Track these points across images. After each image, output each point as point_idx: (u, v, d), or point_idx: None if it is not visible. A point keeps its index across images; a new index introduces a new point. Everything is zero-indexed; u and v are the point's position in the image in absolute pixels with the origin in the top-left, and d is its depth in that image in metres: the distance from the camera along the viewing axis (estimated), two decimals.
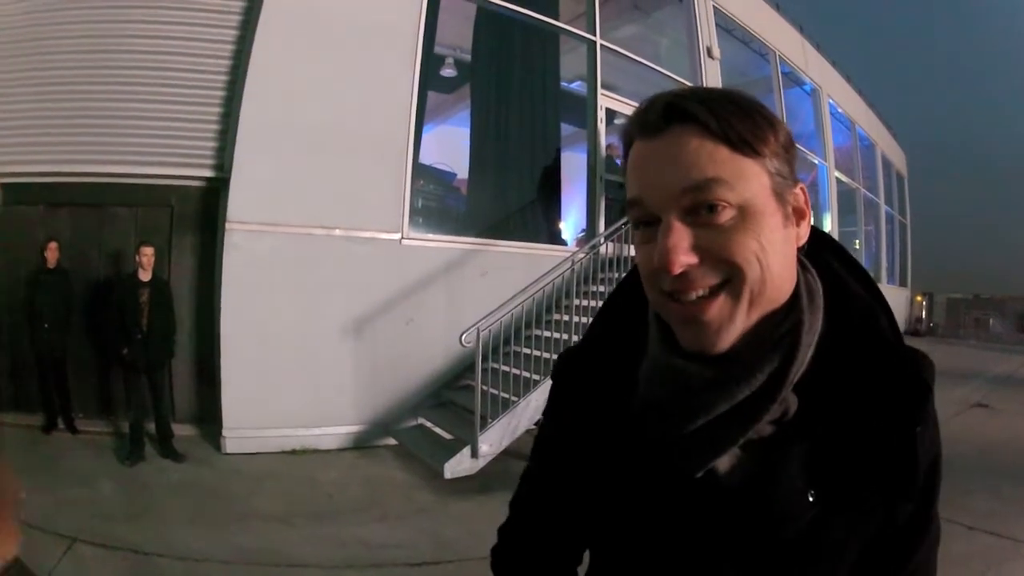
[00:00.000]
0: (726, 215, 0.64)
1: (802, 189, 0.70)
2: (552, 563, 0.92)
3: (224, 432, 5.70)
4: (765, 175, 0.65)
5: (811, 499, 0.67)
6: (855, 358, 0.70)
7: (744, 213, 0.64)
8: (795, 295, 0.70)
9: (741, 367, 0.67)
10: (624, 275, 0.89)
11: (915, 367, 0.72)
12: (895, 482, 0.68)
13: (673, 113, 0.65)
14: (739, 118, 0.64)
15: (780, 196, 0.67)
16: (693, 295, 0.65)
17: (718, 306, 0.65)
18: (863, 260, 17.50)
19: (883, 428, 0.68)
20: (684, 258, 0.63)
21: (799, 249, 0.72)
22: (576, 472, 0.82)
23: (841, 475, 0.68)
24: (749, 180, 0.64)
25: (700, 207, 0.64)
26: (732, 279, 0.64)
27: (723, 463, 0.71)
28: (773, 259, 0.65)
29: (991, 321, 26.32)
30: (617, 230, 6.55)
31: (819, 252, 0.77)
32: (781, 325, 0.68)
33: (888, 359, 0.71)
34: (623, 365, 0.79)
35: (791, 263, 0.69)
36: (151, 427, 5.45)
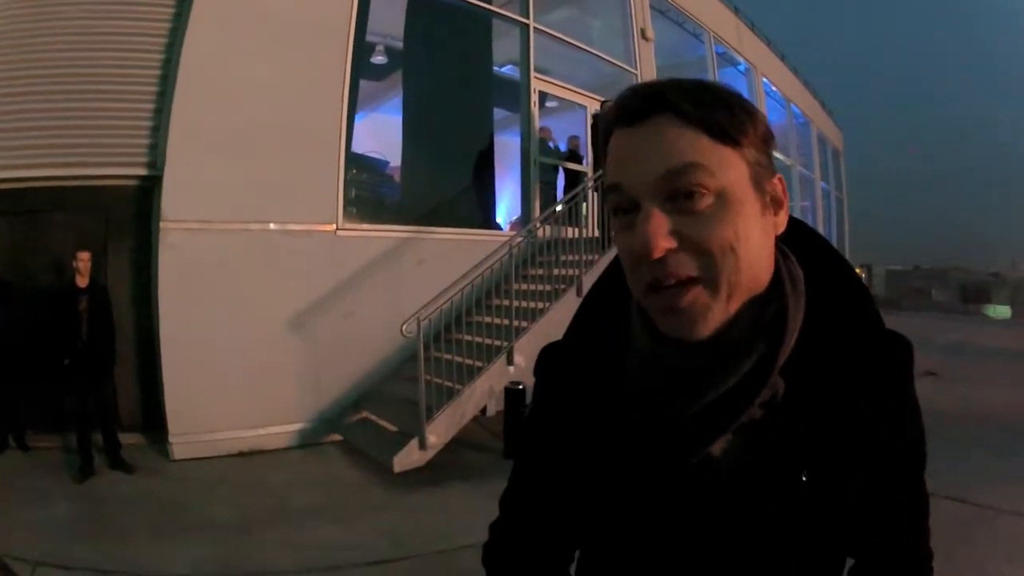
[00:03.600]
0: (705, 201, 0.64)
1: (779, 179, 0.71)
2: (543, 558, 0.92)
3: (171, 438, 5.59)
4: (744, 164, 0.66)
5: (804, 479, 0.69)
6: (837, 341, 0.72)
7: (723, 200, 0.64)
8: (778, 282, 0.71)
9: (730, 354, 0.68)
10: (605, 263, 0.90)
11: (895, 347, 0.74)
12: (883, 458, 0.71)
13: (654, 102, 0.66)
14: (719, 108, 0.65)
15: (758, 185, 0.67)
16: (672, 280, 0.65)
17: (694, 293, 0.65)
18: None
19: (867, 406, 0.70)
20: (663, 243, 0.63)
21: (778, 237, 0.72)
22: (566, 465, 0.83)
23: (831, 454, 0.69)
24: (728, 169, 0.65)
25: (679, 194, 0.64)
26: (708, 272, 0.65)
27: (716, 448, 0.71)
28: (750, 248, 0.66)
29: (933, 291, 27.25)
30: (552, 213, 6.58)
31: (799, 241, 0.79)
32: (766, 312, 0.70)
33: (869, 341, 0.73)
34: (607, 357, 0.79)
35: (768, 252, 0.70)
36: (99, 438, 5.28)
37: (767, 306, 0.70)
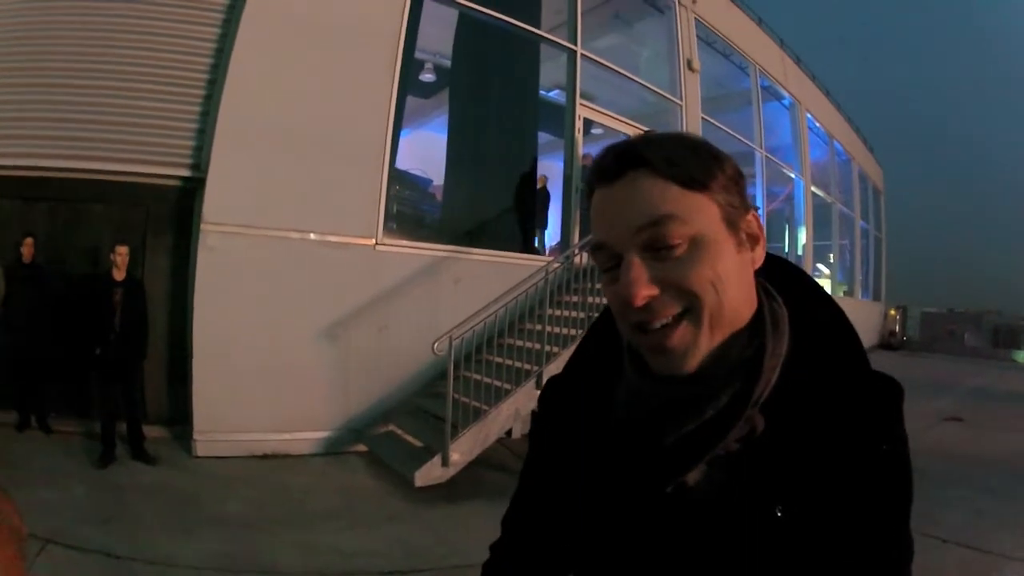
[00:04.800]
0: (681, 247, 0.68)
1: (754, 216, 0.74)
2: None
3: (195, 435, 5.64)
4: (715, 207, 0.69)
5: (779, 514, 0.70)
6: (821, 381, 0.73)
7: (698, 244, 0.68)
8: (759, 320, 0.74)
9: (707, 388, 0.71)
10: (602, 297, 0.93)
11: (882, 389, 0.75)
12: (863, 500, 0.71)
13: (626, 159, 0.70)
14: (687, 158, 0.69)
15: (732, 224, 0.71)
16: (658, 324, 0.69)
17: (681, 332, 0.69)
18: (837, 274, 17.70)
19: (850, 447, 0.71)
20: (645, 291, 0.67)
21: (758, 273, 0.76)
22: (559, 490, 0.86)
23: (809, 492, 0.70)
24: (700, 213, 0.68)
25: (656, 242, 0.68)
26: (692, 307, 0.68)
27: (692, 478, 0.74)
28: (729, 284, 0.69)
29: (966, 335, 26.66)
30: (591, 240, 6.54)
31: (784, 280, 0.82)
32: (745, 349, 0.72)
33: (854, 381, 0.74)
34: (602, 389, 0.83)
35: (748, 286, 0.74)
36: (123, 428, 5.37)
37: (747, 343, 0.72)
